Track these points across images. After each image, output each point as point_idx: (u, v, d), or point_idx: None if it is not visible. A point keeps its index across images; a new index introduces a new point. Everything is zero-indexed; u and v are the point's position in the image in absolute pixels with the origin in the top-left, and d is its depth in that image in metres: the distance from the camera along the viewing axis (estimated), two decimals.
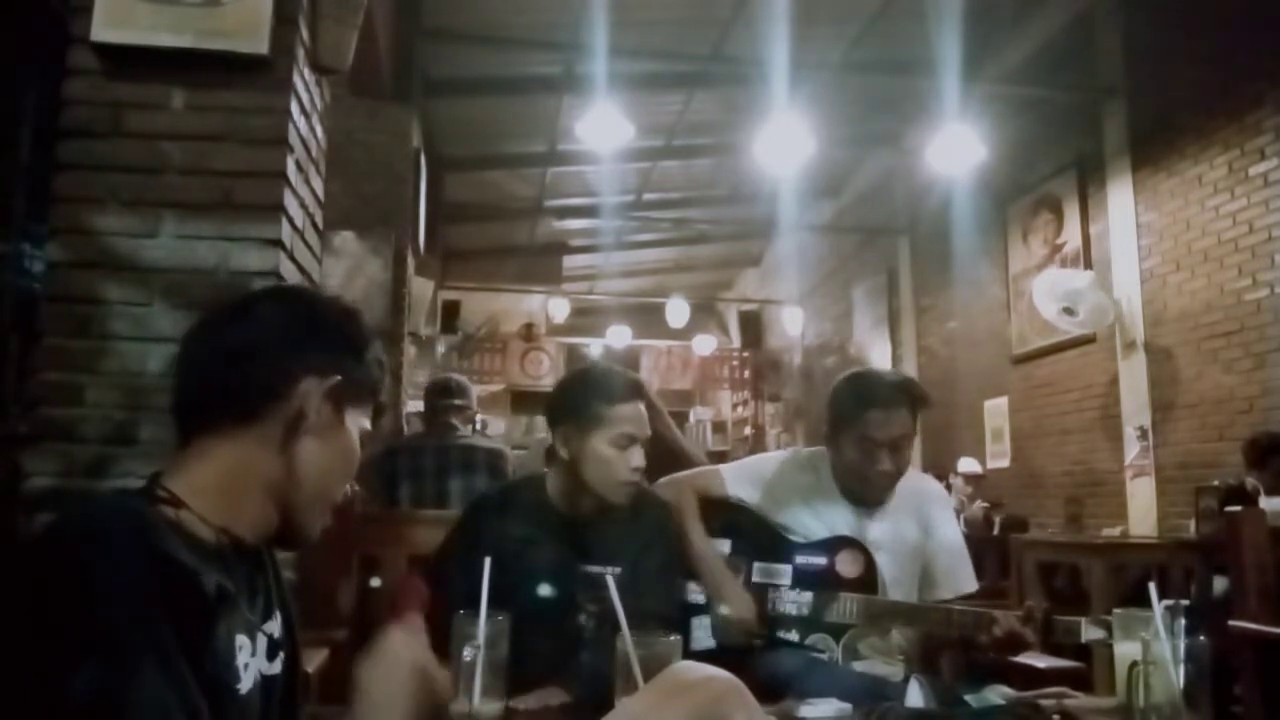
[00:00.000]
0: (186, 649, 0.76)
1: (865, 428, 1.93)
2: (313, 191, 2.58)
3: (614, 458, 1.73)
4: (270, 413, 0.91)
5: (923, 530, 2.05)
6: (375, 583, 2.35)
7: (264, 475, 0.91)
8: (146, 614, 0.74)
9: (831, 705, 1.37)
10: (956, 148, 6.14)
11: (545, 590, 1.73)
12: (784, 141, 5.98)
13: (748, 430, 12.95)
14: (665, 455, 2.92)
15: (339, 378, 0.94)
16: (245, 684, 0.87)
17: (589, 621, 1.72)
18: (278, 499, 0.93)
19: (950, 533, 2.09)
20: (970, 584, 2.06)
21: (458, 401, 3.64)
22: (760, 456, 2.27)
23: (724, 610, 1.97)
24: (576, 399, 1.80)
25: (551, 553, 1.76)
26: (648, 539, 1.81)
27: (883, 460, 1.94)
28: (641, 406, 1.78)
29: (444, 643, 1.20)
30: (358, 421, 0.99)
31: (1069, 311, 6.06)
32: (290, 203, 2.32)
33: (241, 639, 0.87)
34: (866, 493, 2.01)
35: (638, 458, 1.74)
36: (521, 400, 12.33)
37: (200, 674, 0.77)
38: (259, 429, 0.91)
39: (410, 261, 6.16)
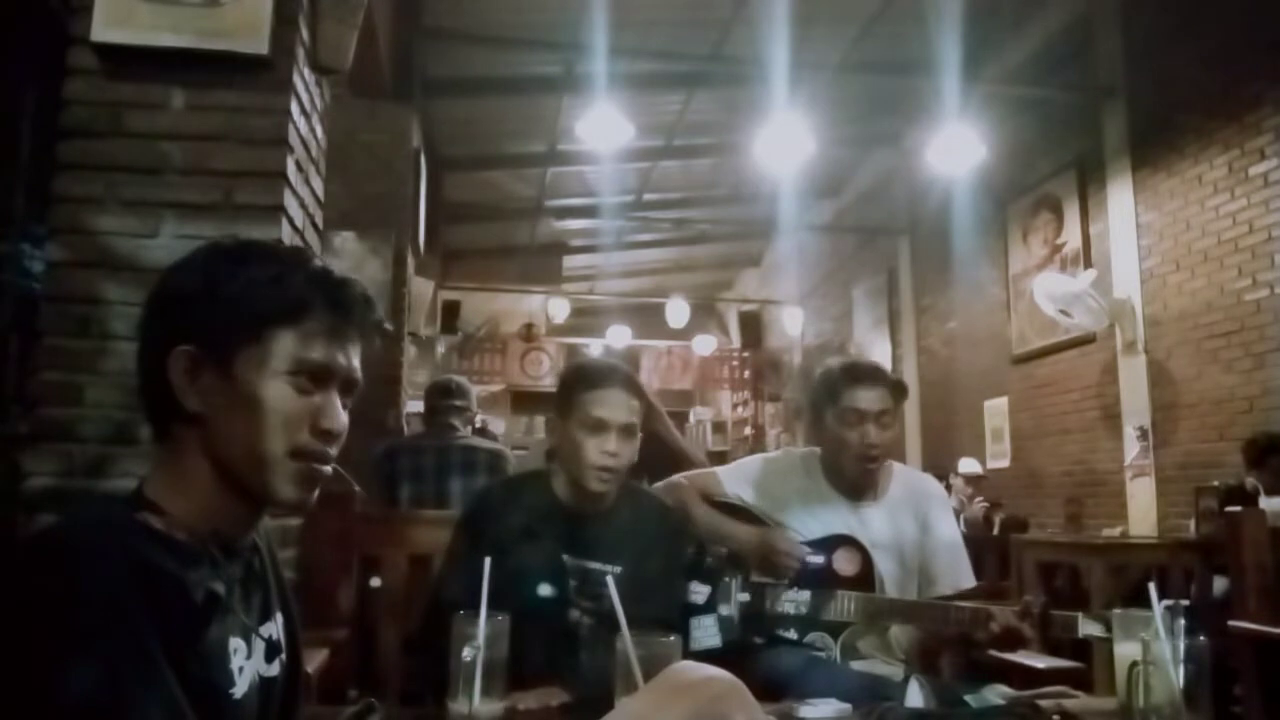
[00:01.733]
0: (173, 657, 0.75)
1: (851, 400, 1.98)
2: (313, 191, 2.58)
3: (583, 441, 1.74)
4: (170, 410, 0.88)
5: (921, 527, 2.05)
6: (375, 583, 2.35)
7: (203, 468, 0.87)
8: (129, 623, 0.74)
9: (831, 705, 1.37)
10: (956, 148, 6.14)
11: (544, 585, 1.74)
12: (784, 141, 5.97)
13: (748, 430, 12.95)
14: (665, 457, 2.92)
15: (188, 345, 0.86)
16: (240, 688, 0.87)
17: (586, 617, 1.73)
18: (233, 485, 0.88)
19: (948, 529, 2.09)
20: (969, 580, 2.06)
21: (458, 403, 3.65)
22: (755, 457, 2.28)
23: (724, 610, 1.97)
24: (560, 389, 1.85)
25: (552, 548, 1.76)
26: (649, 541, 1.81)
27: (869, 433, 1.97)
28: (621, 394, 1.77)
29: None
30: (271, 354, 0.87)
31: (1066, 314, 6.07)
32: (290, 203, 2.31)
33: (236, 642, 0.87)
34: (856, 473, 2.02)
35: (610, 444, 1.73)
36: (521, 400, 12.33)
37: (189, 680, 0.77)
38: (176, 427, 0.88)
39: (410, 261, 6.15)
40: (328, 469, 0.91)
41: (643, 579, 1.69)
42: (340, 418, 0.91)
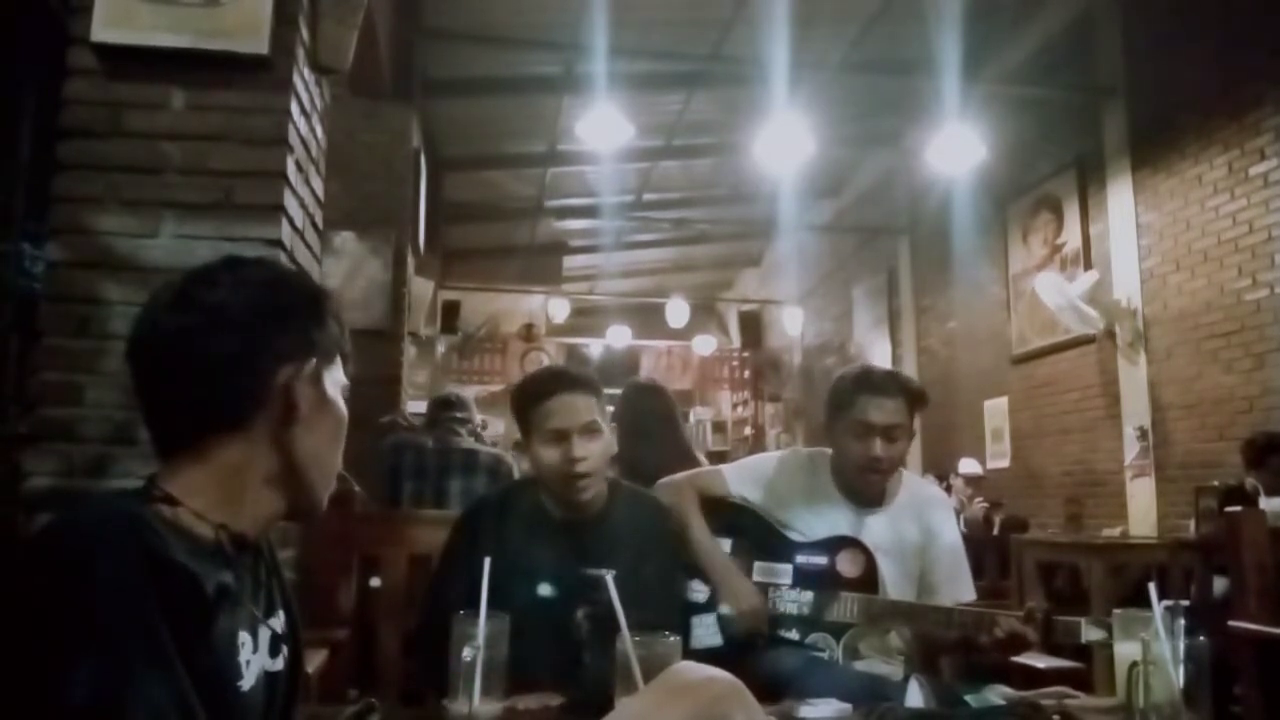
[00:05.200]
0: (183, 648, 0.76)
1: (861, 412, 1.95)
2: (313, 191, 2.58)
3: (549, 456, 1.71)
4: (256, 413, 0.89)
5: (923, 533, 2.04)
6: (375, 583, 2.35)
7: (263, 470, 0.90)
8: (140, 614, 0.74)
9: (831, 705, 1.37)
10: (956, 148, 6.14)
11: (542, 593, 1.71)
12: (784, 141, 5.98)
13: (748, 430, 12.95)
14: (672, 453, 2.92)
15: (314, 360, 0.92)
16: (248, 681, 0.87)
17: (586, 624, 1.71)
18: (282, 487, 0.92)
19: (951, 538, 2.08)
20: (969, 592, 2.05)
21: (459, 414, 3.83)
22: (761, 456, 2.27)
23: (724, 610, 1.97)
24: (515, 412, 1.81)
25: (548, 556, 1.74)
26: (645, 543, 1.79)
27: (876, 447, 1.94)
28: (569, 397, 1.73)
29: None
30: (337, 383, 0.97)
31: (1067, 312, 6.08)
32: (290, 203, 2.31)
33: (244, 635, 0.87)
34: (861, 485, 2.01)
35: (575, 449, 1.70)
36: None
37: (199, 672, 0.77)
38: (248, 429, 0.89)
39: (410, 261, 6.15)
40: None
41: (640, 583, 1.67)
42: None
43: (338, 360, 0.97)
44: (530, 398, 1.76)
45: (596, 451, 1.73)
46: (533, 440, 1.74)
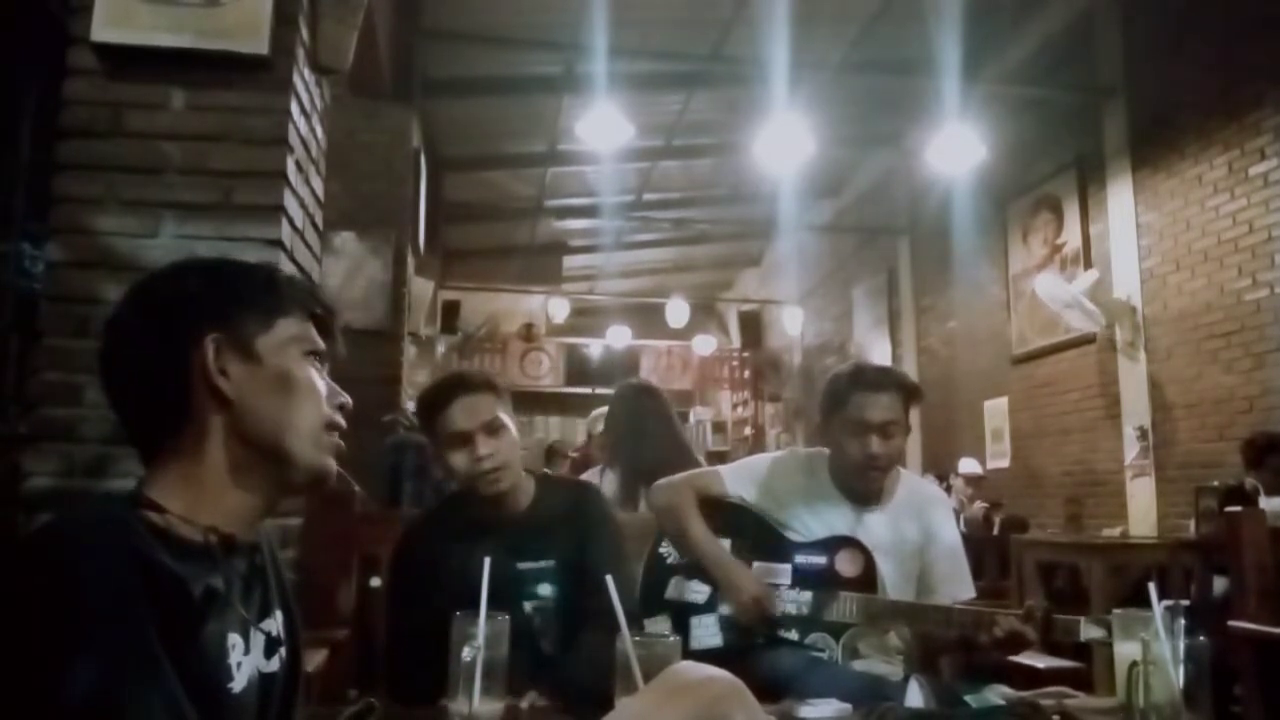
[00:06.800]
0: (172, 651, 0.76)
1: (855, 410, 1.95)
2: (313, 191, 2.58)
3: (458, 459, 1.74)
4: (192, 404, 0.89)
5: (923, 532, 2.04)
6: (375, 583, 2.35)
7: (224, 460, 0.90)
8: (129, 619, 0.74)
9: (831, 705, 1.36)
10: (956, 148, 6.15)
11: (491, 600, 1.71)
12: (784, 141, 5.98)
13: (748, 430, 12.95)
14: (671, 454, 2.91)
15: (215, 334, 0.90)
16: (239, 683, 0.87)
17: (536, 616, 1.73)
18: (256, 471, 0.91)
19: (950, 537, 2.08)
20: (968, 590, 2.04)
21: None
22: (759, 456, 2.26)
23: (724, 610, 1.98)
24: (422, 424, 1.84)
25: (491, 561, 1.74)
26: (580, 530, 1.81)
27: (872, 444, 1.94)
28: (467, 399, 1.76)
29: None
30: (283, 342, 0.94)
31: (1069, 310, 6.07)
32: (290, 203, 2.31)
33: (234, 638, 0.87)
34: (859, 483, 2.01)
35: (478, 448, 1.73)
36: (521, 400, 12.21)
37: (188, 675, 0.77)
38: (195, 422, 0.90)
39: (410, 261, 6.16)
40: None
41: (583, 570, 1.69)
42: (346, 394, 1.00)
43: (280, 322, 0.94)
44: (432, 407, 1.78)
45: (502, 447, 1.75)
46: (442, 447, 1.77)
